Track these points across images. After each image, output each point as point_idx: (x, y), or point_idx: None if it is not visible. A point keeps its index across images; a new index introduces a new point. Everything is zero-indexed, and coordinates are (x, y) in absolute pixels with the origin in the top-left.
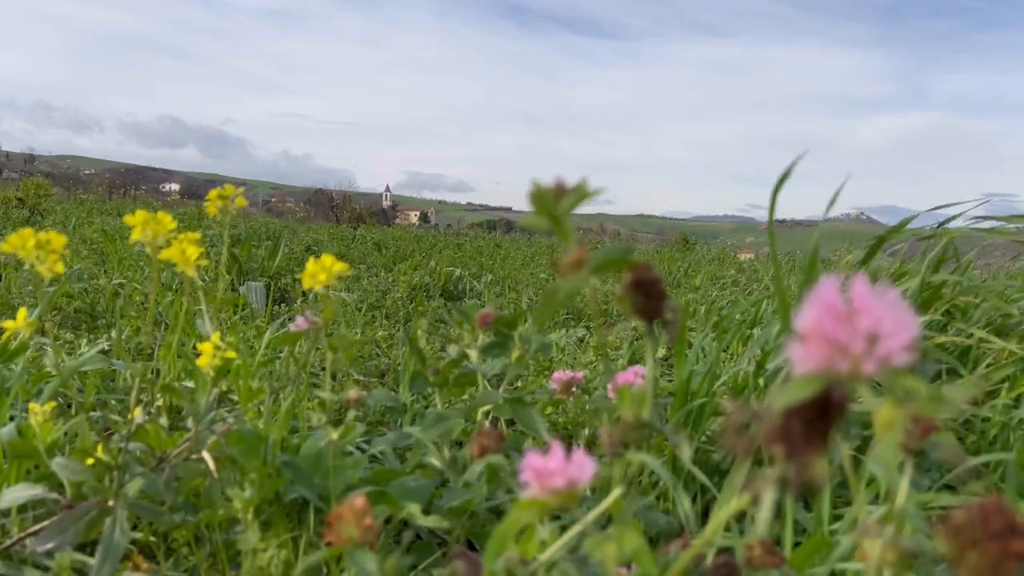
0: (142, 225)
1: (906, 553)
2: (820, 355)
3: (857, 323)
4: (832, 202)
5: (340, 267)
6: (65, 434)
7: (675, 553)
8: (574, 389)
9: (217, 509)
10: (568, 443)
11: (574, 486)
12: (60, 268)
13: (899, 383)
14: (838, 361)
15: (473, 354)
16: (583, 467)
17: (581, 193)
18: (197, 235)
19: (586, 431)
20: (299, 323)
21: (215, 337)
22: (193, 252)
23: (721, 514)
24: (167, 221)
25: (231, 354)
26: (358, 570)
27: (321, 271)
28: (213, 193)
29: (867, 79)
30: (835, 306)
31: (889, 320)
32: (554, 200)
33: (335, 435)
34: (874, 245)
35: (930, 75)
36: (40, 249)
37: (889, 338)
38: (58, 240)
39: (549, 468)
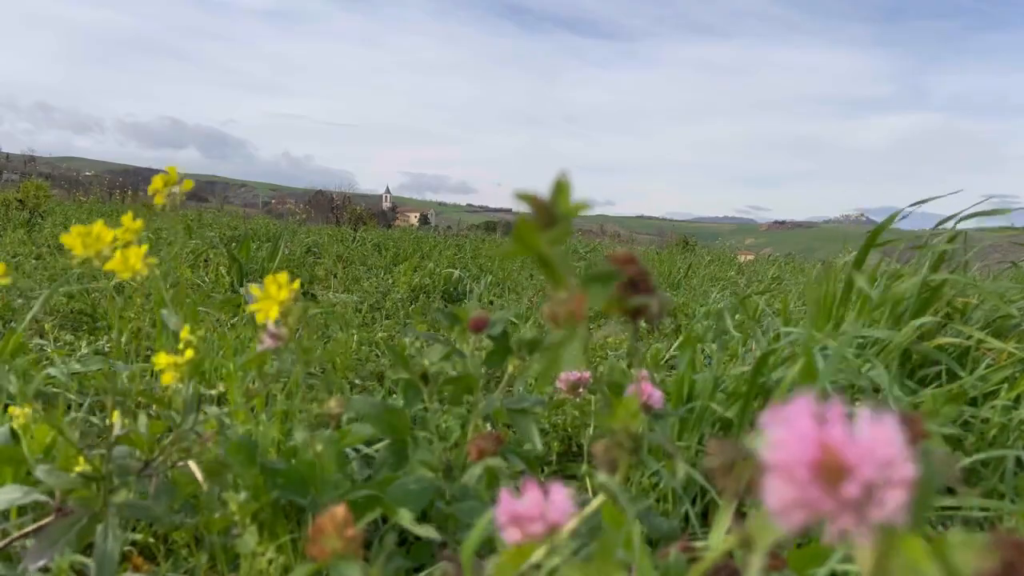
0: (80, 241)
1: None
2: (799, 516)
3: (842, 487)
4: None
5: (287, 293)
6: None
7: (675, 556)
8: (580, 389)
9: (214, 512)
10: (568, 444)
11: (554, 530)
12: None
13: (898, 549)
14: (822, 522)
15: (467, 353)
16: (561, 508)
17: (569, 216)
18: (138, 224)
19: (590, 430)
20: (265, 341)
21: (184, 332)
22: (136, 259)
23: (713, 551)
24: (104, 235)
25: (190, 353)
26: None
27: (271, 303)
28: (157, 180)
29: (867, 80)
30: (812, 459)
31: (880, 470)
32: (539, 231)
33: (319, 447)
34: (864, 246)
35: (930, 76)
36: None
37: (882, 495)
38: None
39: (526, 513)
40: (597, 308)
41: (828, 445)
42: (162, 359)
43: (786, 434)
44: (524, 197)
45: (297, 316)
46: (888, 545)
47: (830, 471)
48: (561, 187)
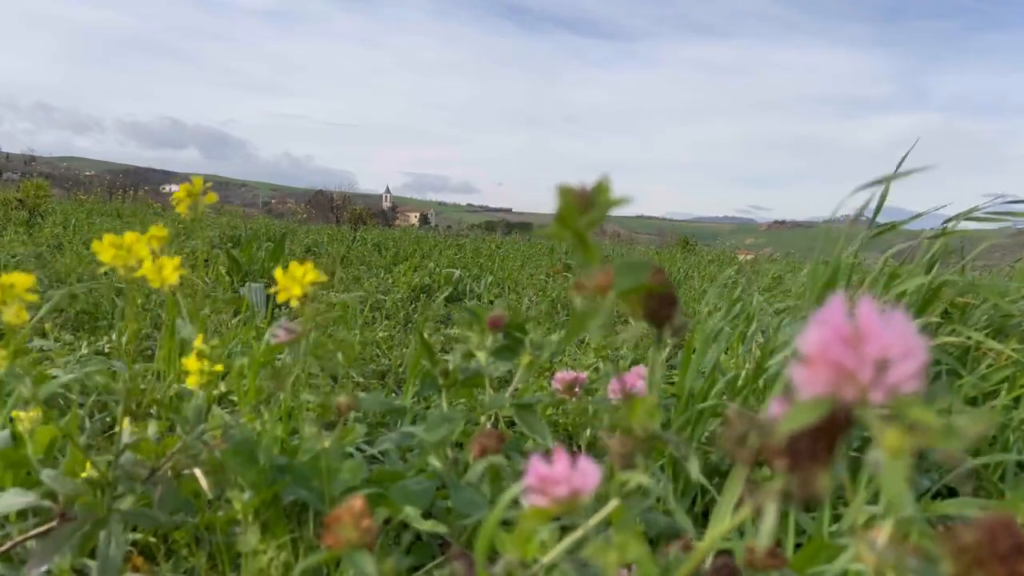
0: (111, 252)
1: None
2: (826, 381)
3: (865, 349)
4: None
5: (312, 276)
6: (64, 436)
7: (675, 555)
8: (576, 389)
9: (216, 511)
10: (569, 444)
11: (578, 495)
12: (24, 316)
13: (908, 412)
14: (844, 388)
15: (481, 356)
16: (588, 475)
17: (606, 206)
18: (164, 231)
19: (588, 432)
20: (279, 334)
21: (198, 341)
22: (170, 271)
23: (719, 528)
24: (138, 248)
25: (219, 368)
26: (356, 573)
27: (294, 283)
28: (181, 190)
29: (867, 80)
30: (841, 329)
31: (898, 346)
32: (578, 214)
33: (327, 443)
34: (859, 247)
35: (930, 76)
36: (4, 293)
37: (898, 365)
38: (23, 282)
39: (553, 476)
40: (624, 303)
41: (856, 321)
42: (191, 363)
43: (821, 320)
44: (565, 189)
45: (312, 314)
46: (899, 407)
47: (856, 337)
48: (602, 183)
